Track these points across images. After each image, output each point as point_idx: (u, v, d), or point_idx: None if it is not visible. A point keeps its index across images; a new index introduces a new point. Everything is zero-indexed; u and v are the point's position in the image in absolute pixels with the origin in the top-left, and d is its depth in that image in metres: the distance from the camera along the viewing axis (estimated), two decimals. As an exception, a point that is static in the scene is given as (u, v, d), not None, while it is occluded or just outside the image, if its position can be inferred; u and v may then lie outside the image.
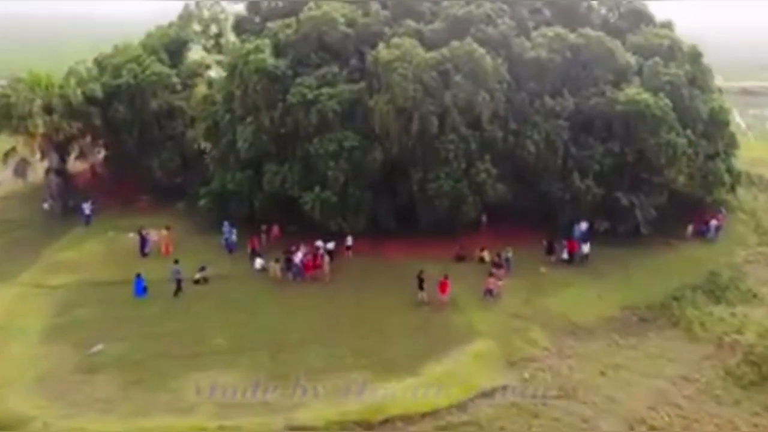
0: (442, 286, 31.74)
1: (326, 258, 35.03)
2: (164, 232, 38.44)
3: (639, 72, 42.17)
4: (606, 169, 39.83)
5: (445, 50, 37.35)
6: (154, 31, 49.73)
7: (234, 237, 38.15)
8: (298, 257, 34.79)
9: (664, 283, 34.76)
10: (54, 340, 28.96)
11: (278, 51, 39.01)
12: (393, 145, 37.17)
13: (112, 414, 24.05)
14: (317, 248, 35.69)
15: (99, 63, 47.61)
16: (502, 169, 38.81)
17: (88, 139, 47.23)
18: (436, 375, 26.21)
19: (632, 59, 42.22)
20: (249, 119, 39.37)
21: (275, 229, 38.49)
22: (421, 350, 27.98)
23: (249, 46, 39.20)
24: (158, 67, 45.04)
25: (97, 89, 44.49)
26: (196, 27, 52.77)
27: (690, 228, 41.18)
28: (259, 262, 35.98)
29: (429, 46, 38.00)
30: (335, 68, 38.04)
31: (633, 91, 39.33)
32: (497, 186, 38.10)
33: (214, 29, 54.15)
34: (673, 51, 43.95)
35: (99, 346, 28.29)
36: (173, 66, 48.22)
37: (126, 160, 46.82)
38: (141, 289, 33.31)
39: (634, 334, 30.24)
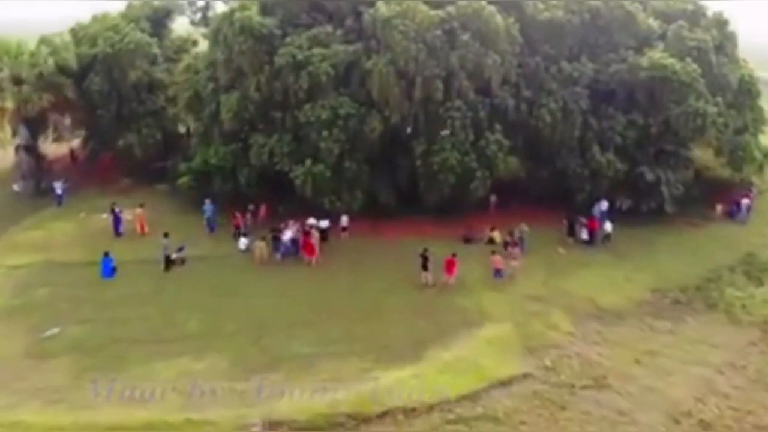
0: (449, 266, 27.98)
1: (317, 237, 31.17)
2: (138, 210, 34.68)
3: (662, 37, 38.44)
4: (628, 141, 36.11)
5: (451, 8, 33.63)
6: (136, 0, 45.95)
7: (214, 215, 34.28)
8: (287, 235, 31.00)
9: (697, 264, 31.12)
10: (5, 323, 25.23)
11: (266, 10, 35.25)
12: (393, 113, 33.39)
13: (60, 405, 20.35)
14: (309, 227, 31.83)
15: (74, 33, 43.87)
16: (514, 141, 35.11)
17: (66, 118, 43.45)
18: (443, 362, 22.47)
19: (655, 24, 38.52)
20: (234, 87, 35.59)
21: (263, 209, 34.59)
22: (425, 335, 24.26)
23: (234, 4, 35.42)
24: (137, 36, 41.31)
25: (70, 59, 40.87)
26: (181, -1, 48.98)
27: (719, 208, 37.36)
28: (243, 242, 32.20)
29: (433, 3, 34.25)
30: (329, 28, 34.27)
31: (657, 55, 35.55)
32: (509, 159, 34.34)
33: (200, 1, 50.43)
34: (697, 16, 40.29)
35: (55, 330, 24.65)
36: (155, 36, 44.51)
37: (103, 138, 43.00)
38: (109, 270, 29.57)
39: (668, 318, 26.54)
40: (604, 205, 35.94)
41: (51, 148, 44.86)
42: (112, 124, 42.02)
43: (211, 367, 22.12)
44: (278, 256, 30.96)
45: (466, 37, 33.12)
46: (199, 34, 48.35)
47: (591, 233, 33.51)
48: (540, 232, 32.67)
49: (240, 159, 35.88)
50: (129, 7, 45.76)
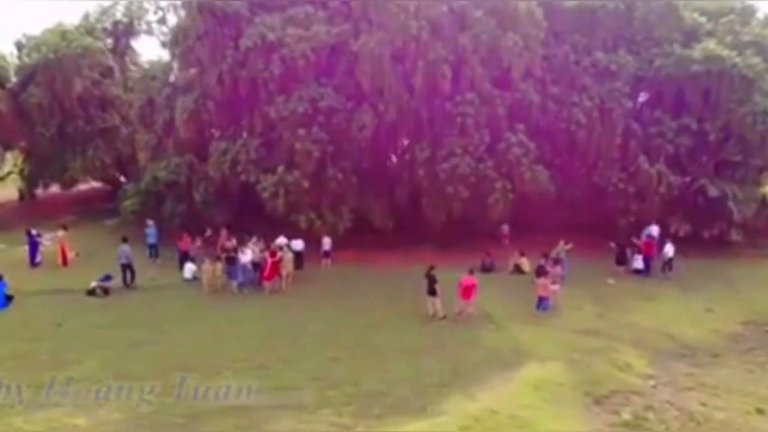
0: (466, 289, 20.01)
1: (287, 258, 23.32)
2: (61, 232, 27.08)
3: (710, 34, 31.82)
4: (681, 151, 28.83)
5: (460, -19, 27.19)
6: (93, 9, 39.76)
7: (159, 240, 26.63)
8: (245, 257, 23.09)
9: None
10: None
11: (233, -11, 28.82)
12: (389, 107, 26.28)
13: None
14: (278, 247, 24.01)
15: (19, 44, 37.42)
16: (540, 148, 27.82)
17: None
18: (466, 415, 14.21)
19: (702, 19, 32.05)
20: (193, 88, 28.74)
21: (223, 233, 26.74)
22: (436, 378, 16.14)
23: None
24: (87, 40, 34.76)
25: (6, 67, 34.19)
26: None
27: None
28: (189, 269, 24.43)
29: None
30: (308, 8, 27.61)
31: (711, 46, 28.80)
32: (535, 168, 26.93)
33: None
34: (747, 14, 33.81)
35: None
36: (115, 54, 38.23)
37: (44, 162, 35.80)
38: (1, 300, 21.55)
39: (777, 355, 18.32)
40: (654, 230, 28.17)
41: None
42: (53, 145, 34.85)
43: (96, 424, 13.81)
44: (234, 284, 22.97)
45: (479, 14, 26.44)
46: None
47: (647, 260, 25.65)
48: (579, 263, 24.79)
49: (196, 172, 28.51)
50: (85, 17, 39.50)
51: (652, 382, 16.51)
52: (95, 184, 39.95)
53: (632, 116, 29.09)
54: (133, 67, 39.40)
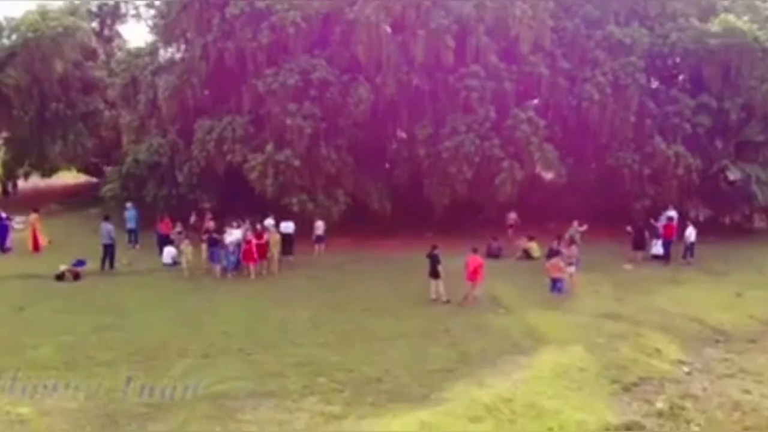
0: (472, 269, 17.91)
1: (274, 240, 21.30)
2: (33, 215, 25.02)
3: (728, 10, 29.90)
4: (700, 131, 26.85)
5: (462, -54, 25.27)
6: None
7: (138, 223, 24.63)
8: (230, 238, 21.03)
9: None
10: None
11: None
12: (387, 81, 24.36)
13: None
14: (264, 228, 21.97)
15: (-1, 26, 35.51)
16: (549, 126, 25.85)
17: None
18: (475, 402, 12.14)
19: (717, -6, 30.21)
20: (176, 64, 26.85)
21: (208, 218, 24.62)
22: (440, 363, 14.11)
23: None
24: (69, 20, 32.83)
25: (-19, 48, 32.32)
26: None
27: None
28: (169, 253, 22.43)
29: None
30: (301, -24, 25.69)
31: (731, 18, 26.88)
32: (545, 148, 24.96)
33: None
34: (763, -8, 31.99)
35: None
36: (100, 38, 36.42)
37: (22, 149, 33.85)
38: (-41, 285, 19.53)
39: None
40: (671, 214, 26.13)
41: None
42: (32, 129, 32.87)
43: (42, 413, 11.75)
44: (217, 269, 20.92)
45: (483, -22, 24.56)
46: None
47: (667, 244, 23.61)
48: (592, 249, 22.63)
49: (180, 153, 26.53)
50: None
51: (685, 369, 14.44)
52: (84, 178, 38.16)
53: (647, 94, 27.11)
54: (118, 53, 37.46)
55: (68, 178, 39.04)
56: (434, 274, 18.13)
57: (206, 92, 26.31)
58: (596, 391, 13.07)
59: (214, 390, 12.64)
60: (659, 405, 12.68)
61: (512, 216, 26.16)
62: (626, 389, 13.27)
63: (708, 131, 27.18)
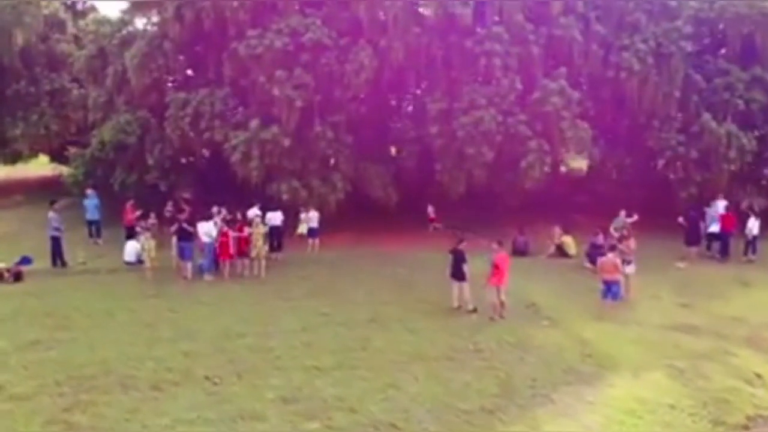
0: (498, 269, 14.01)
1: (258, 233, 17.45)
2: (-26, 203, 21.14)
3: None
4: (755, 107, 23.12)
5: None
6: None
7: (100, 213, 20.84)
8: (204, 230, 17.18)
9: None
10: None
11: None
12: (393, 44, 20.52)
13: None
14: (247, 220, 18.13)
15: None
16: (581, 101, 22.06)
17: None
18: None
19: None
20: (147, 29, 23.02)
21: (186, 209, 20.81)
22: (480, 401, 10.22)
23: None
24: (31, -12, 28.87)
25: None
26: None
27: None
28: (131, 249, 18.58)
29: None
30: (291, -77, 21.80)
31: (788, -20, 23.17)
32: (579, 125, 21.18)
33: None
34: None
35: None
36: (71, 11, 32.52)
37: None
38: None
39: None
40: (721, 206, 22.40)
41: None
42: (-10, 110, 29.03)
43: None
44: (188, 267, 17.10)
45: None
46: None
47: (725, 238, 19.90)
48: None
49: (151, 132, 22.69)
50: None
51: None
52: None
53: (693, 65, 23.39)
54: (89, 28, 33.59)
55: (47, 169, 35.29)
56: (459, 275, 14.34)
57: (181, 59, 22.37)
58: (697, 439, 9.33)
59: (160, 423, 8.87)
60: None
61: (431, 210, 22.43)
62: (736, 434, 9.54)
63: (763, 108, 23.44)
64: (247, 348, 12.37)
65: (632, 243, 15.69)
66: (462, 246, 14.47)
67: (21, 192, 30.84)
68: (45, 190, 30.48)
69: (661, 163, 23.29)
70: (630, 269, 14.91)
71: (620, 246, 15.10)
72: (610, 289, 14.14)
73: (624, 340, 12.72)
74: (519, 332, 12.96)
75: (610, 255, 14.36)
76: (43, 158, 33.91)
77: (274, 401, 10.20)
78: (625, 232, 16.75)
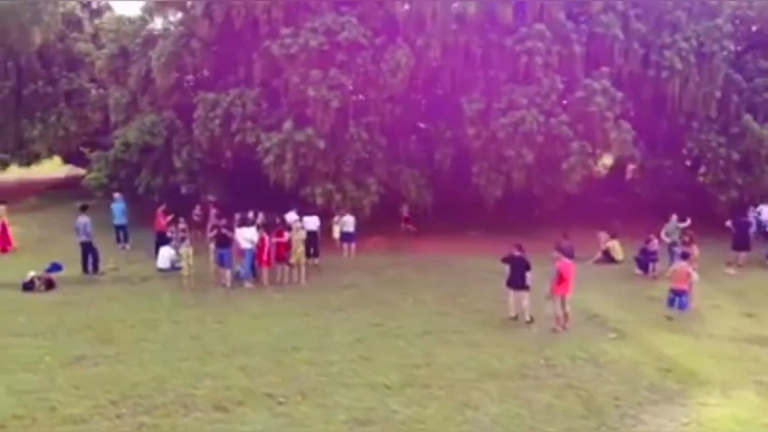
0: (562, 278, 13.37)
1: (298, 238, 16.84)
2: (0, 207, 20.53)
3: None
4: (795, 108, 22.57)
5: None
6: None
7: (127, 217, 20.23)
8: (248, 233, 16.53)
9: None
10: None
11: None
12: (431, 42, 19.89)
13: None
14: (285, 225, 17.50)
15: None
16: (622, 101, 21.44)
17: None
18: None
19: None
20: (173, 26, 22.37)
21: (213, 212, 20.09)
22: (566, 422, 9.55)
23: None
24: (49, -16, 28.21)
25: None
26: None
27: None
28: (165, 256, 17.97)
29: None
30: None
31: (833, -26, 22.58)
32: (622, 126, 20.58)
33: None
34: None
35: None
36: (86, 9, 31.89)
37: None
38: None
39: None
40: (765, 211, 21.88)
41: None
42: (8, 110, 28.38)
43: None
44: (228, 275, 16.47)
45: None
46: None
47: (775, 241, 19.34)
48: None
49: (178, 134, 22.06)
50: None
51: None
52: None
53: (733, 65, 22.80)
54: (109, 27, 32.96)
55: (60, 171, 34.65)
56: (519, 284, 13.69)
57: (210, 60, 21.71)
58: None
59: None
60: None
61: (405, 209, 21.83)
62: None
63: (806, 108, 22.85)
64: (305, 362, 11.73)
65: (696, 250, 15.07)
66: (521, 254, 13.79)
67: (34, 194, 30.27)
68: (59, 193, 29.98)
69: (701, 165, 22.77)
70: (695, 277, 14.29)
71: (692, 252, 14.46)
72: (679, 299, 13.48)
73: (699, 354, 12.10)
74: (589, 346, 12.32)
75: (683, 263, 13.73)
76: (55, 160, 33.32)
77: (348, 423, 9.58)
78: (686, 239, 16.08)
